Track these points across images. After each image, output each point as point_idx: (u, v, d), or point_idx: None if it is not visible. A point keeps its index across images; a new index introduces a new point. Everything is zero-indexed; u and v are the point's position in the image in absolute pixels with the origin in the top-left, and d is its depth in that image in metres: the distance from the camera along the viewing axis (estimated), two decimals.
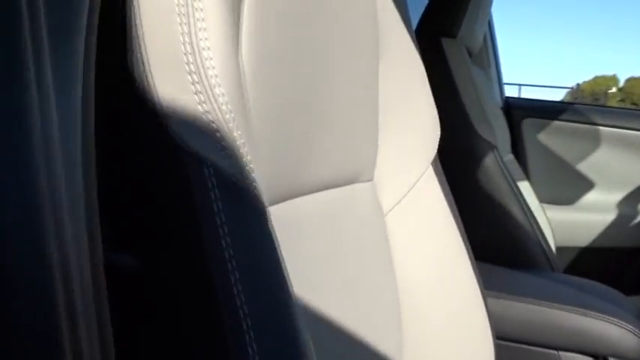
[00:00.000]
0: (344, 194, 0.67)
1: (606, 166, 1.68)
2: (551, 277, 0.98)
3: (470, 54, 1.34)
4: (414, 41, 0.78)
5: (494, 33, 1.72)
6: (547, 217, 1.60)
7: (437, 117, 0.82)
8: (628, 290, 1.09)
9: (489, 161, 1.09)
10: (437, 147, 0.82)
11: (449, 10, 1.18)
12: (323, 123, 0.57)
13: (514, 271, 0.97)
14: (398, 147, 0.76)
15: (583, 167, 1.68)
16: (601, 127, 1.68)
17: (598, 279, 1.02)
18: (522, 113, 1.71)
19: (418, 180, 0.78)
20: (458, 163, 1.12)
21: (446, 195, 0.81)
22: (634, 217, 1.63)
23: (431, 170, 0.80)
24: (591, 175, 1.67)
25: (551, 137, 1.69)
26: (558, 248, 1.63)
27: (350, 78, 0.63)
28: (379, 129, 0.74)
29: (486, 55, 1.65)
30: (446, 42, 1.15)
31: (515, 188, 1.09)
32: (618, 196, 1.66)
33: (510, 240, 1.07)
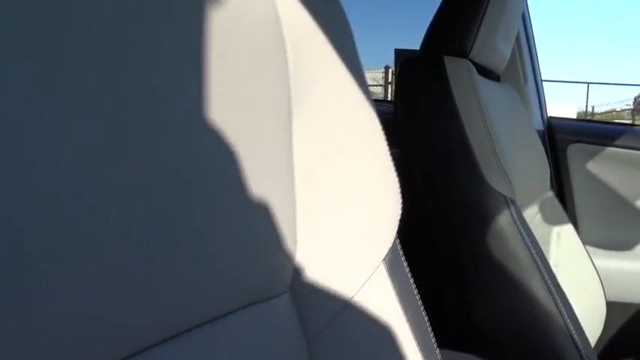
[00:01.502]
0: (234, 322, 0.42)
1: None
2: None
3: (490, 72, 1.07)
4: (355, 72, 0.53)
5: (532, 41, 1.43)
6: (594, 266, 1.31)
7: (396, 188, 0.57)
8: None
9: (503, 221, 0.83)
10: (394, 233, 0.57)
11: (457, 24, 0.92)
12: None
13: None
14: (330, 239, 0.51)
15: None
16: None
17: None
18: (568, 138, 1.41)
19: (363, 286, 0.54)
20: (463, 220, 0.87)
21: (405, 301, 0.57)
22: None
23: (382, 269, 0.56)
24: None
25: (603, 166, 1.39)
26: (609, 304, 1.33)
27: (231, 134, 0.39)
28: (296, 214, 0.50)
29: (522, 69, 1.36)
30: (450, 62, 0.89)
31: (537, 257, 0.82)
32: None
33: (528, 328, 0.80)
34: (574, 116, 12.96)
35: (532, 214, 1.16)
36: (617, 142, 1.38)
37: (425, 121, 0.90)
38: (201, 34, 0.38)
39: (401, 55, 1.67)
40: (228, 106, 0.39)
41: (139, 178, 0.31)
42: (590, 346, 0.84)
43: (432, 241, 0.93)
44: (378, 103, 1.70)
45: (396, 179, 0.56)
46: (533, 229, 1.07)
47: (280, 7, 0.45)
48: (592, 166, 1.40)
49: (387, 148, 0.56)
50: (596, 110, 14.91)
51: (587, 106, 13.38)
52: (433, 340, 0.58)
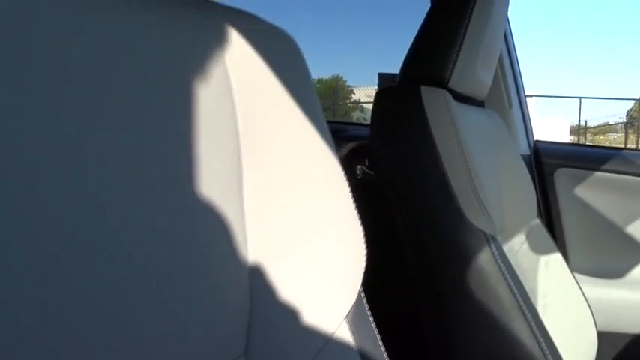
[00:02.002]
0: None
1: None
2: None
3: (471, 99, 1.04)
4: (311, 113, 0.49)
5: (515, 62, 1.40)
6: (584, 295, 1.27)
7: (361, 238, 0.53)
8: None
9: (483, 259, 0.79)
10: (358, 286, 0.54)
11: (433, 53, 0.89)
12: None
13: None
14: (289, 297, 0.47)
15: (633, 231, 1.33)
16: None
17: None
18: (555, 162, 1.38)
19: (323, 347, 0.50)
20: (440, 253, 0.83)
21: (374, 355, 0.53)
22: None
23: (345, 327, 0.52)
24: None
25: (591, 192, 1.36)
26: (600, 334, 1.29)
27: (179, 196, 0.36)
28: (250, 271, 0.46)
29: (506, 93, 1.33)
30: (426, 92, 0.85)
31: (520, 297, 0.78)
32: None
33: None
34: (567, 130, 12.98)
35: (518, 244, 1.13)
36: (605, 167, 1.35)
37: (401, 151, 0.87)
38: (152, 87, 0.35)
39: (385, 80, 1.65)
40: (174, 167, 0.36)
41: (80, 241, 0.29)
42: None
43: (409, 270, 0.89)
44: (362, 128, 1.64)
45: (361, 229, 0.53)
46: (519, 259, 1.03)
47: (228, 59, 0.42)
48: (580, 191, 1.37)
49: (350, 195, 0.52)
50: (589, 124, 14.95)
51: (579, 120, 13.41)
52: None
